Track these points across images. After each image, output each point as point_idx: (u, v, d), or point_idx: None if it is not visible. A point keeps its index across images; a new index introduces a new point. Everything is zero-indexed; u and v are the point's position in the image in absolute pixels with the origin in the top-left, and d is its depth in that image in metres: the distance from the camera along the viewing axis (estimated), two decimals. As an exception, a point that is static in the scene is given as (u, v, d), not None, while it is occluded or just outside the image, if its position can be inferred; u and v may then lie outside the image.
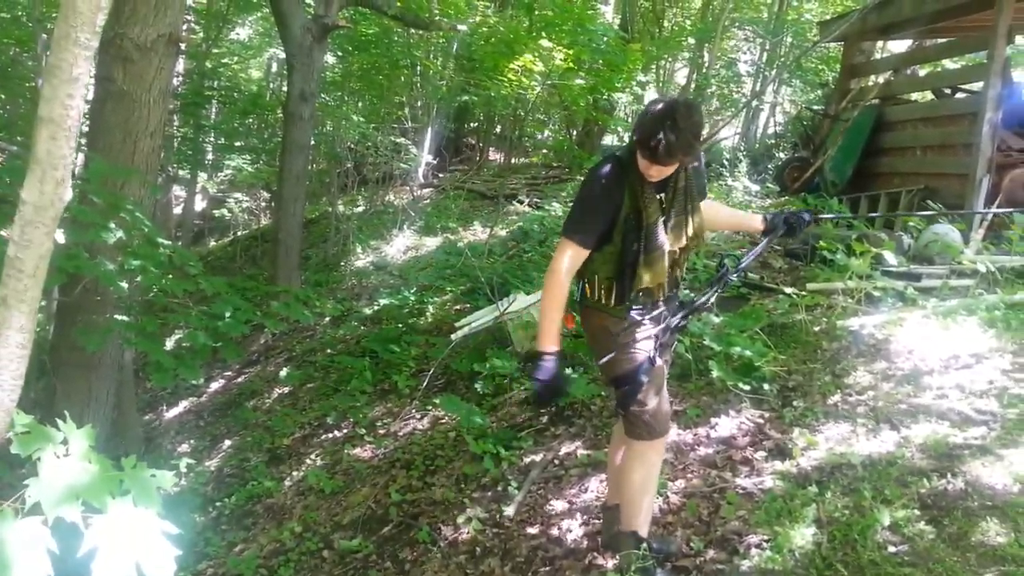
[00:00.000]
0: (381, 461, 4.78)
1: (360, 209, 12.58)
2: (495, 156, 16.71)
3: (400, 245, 10.67)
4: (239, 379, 7.68)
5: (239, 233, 15.01)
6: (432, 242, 10.34)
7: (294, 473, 5.12)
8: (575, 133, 14.95)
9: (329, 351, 7.23)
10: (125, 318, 4.15)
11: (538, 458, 4.02)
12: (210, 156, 14.77)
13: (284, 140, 8.65)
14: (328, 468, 4.96)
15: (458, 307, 7.15)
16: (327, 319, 8.12)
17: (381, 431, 5.21)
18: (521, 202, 10.30)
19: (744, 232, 2.99)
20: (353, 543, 3.93)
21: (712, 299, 2.91)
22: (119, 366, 5.24)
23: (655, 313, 2.66)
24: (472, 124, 17.93)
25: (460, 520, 3.74)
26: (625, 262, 2.55)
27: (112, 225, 3.99)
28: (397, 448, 4.86)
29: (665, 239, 2.55)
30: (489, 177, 14.08)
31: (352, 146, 13.23)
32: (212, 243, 15.02)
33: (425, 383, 5.53)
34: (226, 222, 15.66)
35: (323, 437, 5.54)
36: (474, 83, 11.99)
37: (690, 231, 2.63)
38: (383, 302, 7.92)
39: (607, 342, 2.65)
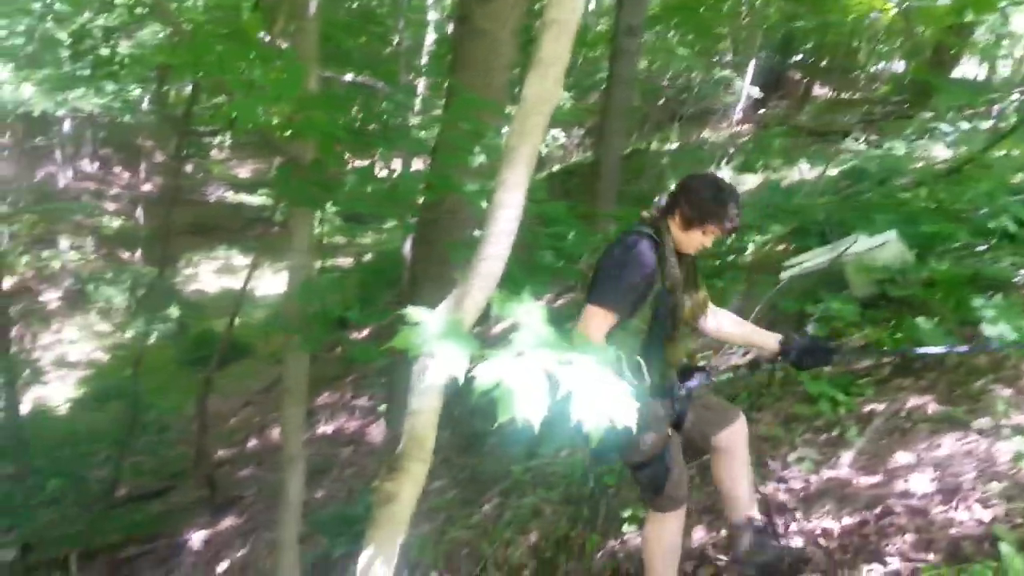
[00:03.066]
0: (703, 391, 4.81)
1: (674, 146, 12.46)
2: (820, 91, 15.44)
3: (716, 183, 10.43)
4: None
5: (554, 168, 15.71)
6: (751, 180, 9.94)
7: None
8: (917, 64, 13.23)
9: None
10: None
11: (880, 407, 3.77)
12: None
13: (610, 75, 8.75)
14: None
15: (780, 247, 6.85)
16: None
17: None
18: (857, 139, 9.44)
19: (756, 348, 2.92)
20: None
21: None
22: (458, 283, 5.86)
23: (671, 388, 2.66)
24: (796, 57, 16.72)
25: (791, 459, 3.68)
26: (653, 337, 2.54)
27: (476, 150, 4.40)
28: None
29: (690, 314, 2.69)
30: (816, 113, 13.08)
31: (666, 84, 13.09)
32: (529, 176, 15.89)
33: (751, 317, 5.42)
34: (541, 157, 16.47)
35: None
36: (807, 8, 11.11)
37: (701, 307, 2.78)
38: (699, 239, 7.83)
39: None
